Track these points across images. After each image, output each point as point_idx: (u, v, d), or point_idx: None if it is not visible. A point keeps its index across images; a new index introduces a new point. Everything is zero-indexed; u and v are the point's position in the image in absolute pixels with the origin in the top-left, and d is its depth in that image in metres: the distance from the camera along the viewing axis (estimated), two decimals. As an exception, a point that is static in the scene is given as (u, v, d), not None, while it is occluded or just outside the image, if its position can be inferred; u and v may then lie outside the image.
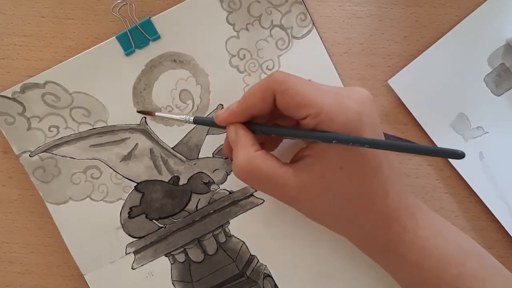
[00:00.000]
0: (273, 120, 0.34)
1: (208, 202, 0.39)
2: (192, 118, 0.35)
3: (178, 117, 0.36)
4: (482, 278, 0.30)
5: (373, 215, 0.31)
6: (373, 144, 0.28)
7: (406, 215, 0.31)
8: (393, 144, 0.28)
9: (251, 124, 0.32)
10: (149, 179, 0.39)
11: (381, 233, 0.31)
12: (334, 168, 0.30)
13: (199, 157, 0.39)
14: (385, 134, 0.39)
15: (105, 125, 0.38)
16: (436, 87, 0.39)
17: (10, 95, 0.38)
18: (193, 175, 0.39)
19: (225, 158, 0.39)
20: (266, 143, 0.35)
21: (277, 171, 0.30)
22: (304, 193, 0.30)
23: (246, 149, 0.30)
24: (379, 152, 0.30)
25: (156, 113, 0.38)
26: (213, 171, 0.39)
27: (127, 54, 0.38)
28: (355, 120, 0.29)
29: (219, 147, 0.39)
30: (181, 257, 0.39)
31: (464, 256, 0.31)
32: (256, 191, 0.39)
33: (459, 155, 0.26)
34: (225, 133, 0.39)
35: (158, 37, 0.38)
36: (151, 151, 0.39)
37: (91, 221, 0.39)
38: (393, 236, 0.31)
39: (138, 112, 0.38)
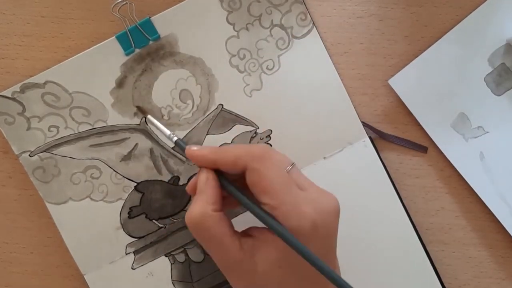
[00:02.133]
0: (238, 180, 0.32)
1: (208, 202, 0.39)
2: (175, 138, 0.35)
3: (165, 130, 0.36)
4: None
5: None
6: (313, 263, 0.27)
7: None
8: (327, 271, 0.27)
9: (223, 178, 0.31)
10: (149, 179, 0.39)
11: None
12: (272, 264, 0.29)
13: (199, 157, 0.39)
14: (385, 134, 0.39)
15: (105, 125, 0.38)
16: (437, 86, 0.39)
17: (10, 95, 0.38)
18: (193, 175, 0.39)
19: None
20: (226, 200, 0.33)
21: (224, 240, 0.29)
22: (240, 271, 0.30)
23: (206, 205, 0.30)
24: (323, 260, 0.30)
25: (149, 116, 0.37)
26: (213, 171, 0.39)
27: (127, 54, 0.38)
28: (306, 229, 0.28)
29: (219, 147, 0.39)
30: (181, 257, 0.39)
31: None
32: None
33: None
34: (226, 133, 0.39)
35: (158, 37, 0.38)
36: (151, 151, 0.39)
37: (91, 221, 0.39)
38: None
39: (136, 106, 0.38)
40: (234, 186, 0.31)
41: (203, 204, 0.30)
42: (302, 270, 0.29)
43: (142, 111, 0.38)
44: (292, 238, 0.27)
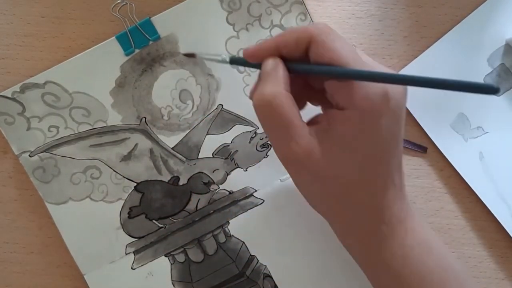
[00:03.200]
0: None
1: (208, 202, 0.39)
2: (228, 58, 0.31)
3: (214, 57, 0.32)
4: None
5: (365, 206, 0.29)
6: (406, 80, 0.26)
7: (397, 220, 0.30)
8: (410, 78, 0.25)
9: (288, 63, 0.29)
10: (149, 179, 0.39)
11: (369, 231, 0.30)
12: (343, 144, 0.28)
13: (199, 157, 0.39)
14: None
15: (105, 125, 0.38)
16: (436, 87, 0.39)
17: (10, 95, 0.38)
18: (193, 175, 0.39)
19: (225, 158, 0.39)
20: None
21: (296, 121, 0.28)
22: (306, 158, 0.28)
23: (278, 85, 0.28)
24: (392, 145, 0.29)
25: (197, 53, 0.33)
26: (213, 171, 0.39)
27: (127, 54, 0.38)
28: (378, 97, 0.27)
29: (219, 147, 0.39)
30: (181, 257, 0.39)
31: (446, 277, 0.29)
32: (256, 191, 0.39)
33: (494, 90, 0.23)
34: (226, 133, 0.39)
35: (158, 37, 0.38)
36: (151, 151, 0.39)
37: (91, 221, 0.39)
38: (379, 237, 0.29)
39: (184, 54, 0.36)
40: (303, 62, 0.29)
41: (274, 84, 0.28)
42: (373, 146, 0.28)
43: (189, 55, 0.34)
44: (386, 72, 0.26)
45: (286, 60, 0.29)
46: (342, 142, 0.28)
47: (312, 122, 0.31)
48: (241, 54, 0.38)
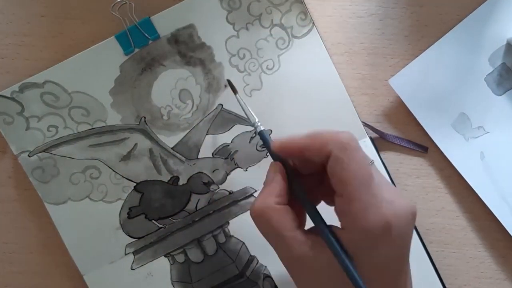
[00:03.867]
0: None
1: (208, 202, 0.39)
2: (260, 128, 0.33)
3: (251, 115, 0.33)
4: None
5: None
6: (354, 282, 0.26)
7: None
8: None
9: (294, 181, 0.31)
10: (149, 179, 0.39)
11: None
12: (337, 269, 0.28)
13: (198, 157, 0.39)
14: (385, 134, 0.39)
15: (104, 125, 0.38)
16: (437, 86, 0.39)
17: (9, 95, 0.38)
18: (193, 175, 0.39)
19: (225, 158, 0.39)
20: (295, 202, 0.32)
21: (286, 234, 0.29)
22: (302, 267, 0.29)
23: (269, 197, 0.29)
24: (393, 269, 0.28)
25: (237, 95, 0.35)
26: (213, 171, 0.39)
27: (127, 54, 0.38)
28: (378, 229, 0.27)
29: (219, 147, 0.39)
30: (180, 258, 0.39)
31: None
32: (256, 191, 0.39)
33: None
34: (226, 133, 0.39)
35: (158, 37, 0.38)
36: (151, 151, 0.39)
37: (90, 221, 0.38)
38: None
39: (227, 80, 0.37)
40: (300, 187, 0.31)
41: (265, 196, 0.30)
42: (368, 271, 0.28)
43: (232, 87, 0.36)
44: (340, 254, 0.27)
45: (297, 175, 0.31)
46: (336, 268, 0.28)
47: (314, 230, 0.30)
48: (241, 54, 0.38)
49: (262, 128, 0.33)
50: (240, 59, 0.38)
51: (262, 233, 0.30)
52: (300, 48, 0.38)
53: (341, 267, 0.27)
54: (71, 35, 0.39)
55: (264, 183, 0.31)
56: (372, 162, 0.30)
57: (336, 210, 0.29)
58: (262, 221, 0.29)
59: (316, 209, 0.30)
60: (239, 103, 0.35)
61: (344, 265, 0.27)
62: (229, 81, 0.37)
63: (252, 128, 0.39)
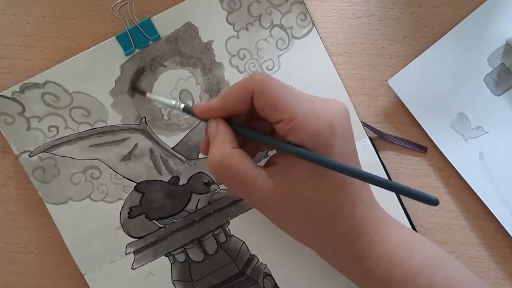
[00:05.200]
0: (250, 123, 0.33)
1: (208, 202, 0.39)
2: (182, 105, 0.34)
3: (169, 102, 0.34)
4: (451, 286, 0.30)
5: (340, 229, 0.31)
6: (338, 168, 0.28)
7: (373, 229, 0.31)
8: (358, 173, 0.28)
9: (232, 123, 0.32)
10: (149, 179, 0.39)
11: (348, 248, 0.31)
12: (303, 179, 0.30)
13: (199, 157, 0.39)
14: (384, 134, 0.39)
15: (105, 125, 0.38)
16: (436, 87, 0.39)
17: (9, 95, 0.38)
18: (193, 175, 0.39)
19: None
20: (244, 149, 0.33)
21: (250, 172, 0.30)
22: (272, 199, 0.30)
23: (224, 145, 0.30)
24: (351, 164, 0.30)
25: (148, 94, 0.37)
26: (213, 171, 0.39)
27: (127, 54, 0.38)
28: (325, 131, 0.29)
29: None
30: (181, 257, 0.39)
31: (433, 266, 0.30)
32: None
33: (433, 202, 0.27)
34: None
35: (158, 37, 0.38)
36: (151, 151, 0.39)
37: (91, 221, 0.39)
38: (360, 250, 0.31)
39: (131, 88, 0.38)
40: (245, 126, 0.32)
41: (220, 146, 0.30)
42: (331, 176, 0.30)
43: (139, 91, 0.37)
44: (313, 154, 0.29)
45: (232, 121, 0.31)
46: (303, 177, 0.30)
47: (269, 163, 0.32)
48: (241, 54, 0.38)
49: (183, 105, 0.34)
50: (240, 60, 0.38)
51: (225, 183, 0.31)
52: (300, 48, 0.38)
53: (315, 164, 0.29)
54: (72, 36, 0.39)
55: (210, 139, 0.31)
56: (291, 86, 0.31)
57: (280, 135, 0.30)
58: (224, 169, 0.30)
59: (270, 135, 0.31)
60: (154, 100, 0.36)
61: (318, 157, 0.29)
62: (134, 87, 0.38)
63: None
